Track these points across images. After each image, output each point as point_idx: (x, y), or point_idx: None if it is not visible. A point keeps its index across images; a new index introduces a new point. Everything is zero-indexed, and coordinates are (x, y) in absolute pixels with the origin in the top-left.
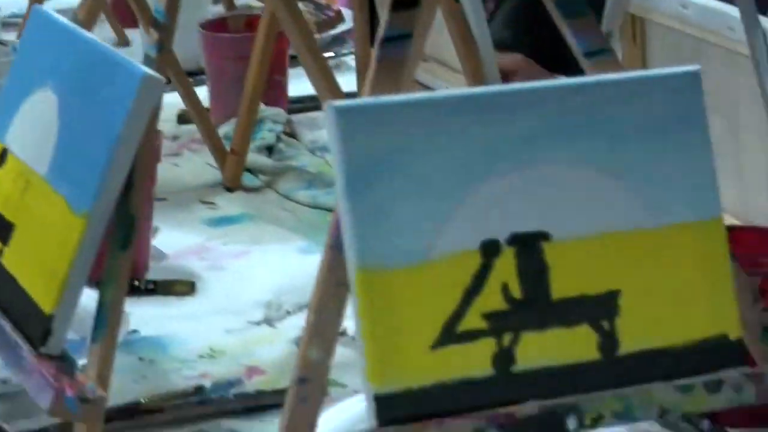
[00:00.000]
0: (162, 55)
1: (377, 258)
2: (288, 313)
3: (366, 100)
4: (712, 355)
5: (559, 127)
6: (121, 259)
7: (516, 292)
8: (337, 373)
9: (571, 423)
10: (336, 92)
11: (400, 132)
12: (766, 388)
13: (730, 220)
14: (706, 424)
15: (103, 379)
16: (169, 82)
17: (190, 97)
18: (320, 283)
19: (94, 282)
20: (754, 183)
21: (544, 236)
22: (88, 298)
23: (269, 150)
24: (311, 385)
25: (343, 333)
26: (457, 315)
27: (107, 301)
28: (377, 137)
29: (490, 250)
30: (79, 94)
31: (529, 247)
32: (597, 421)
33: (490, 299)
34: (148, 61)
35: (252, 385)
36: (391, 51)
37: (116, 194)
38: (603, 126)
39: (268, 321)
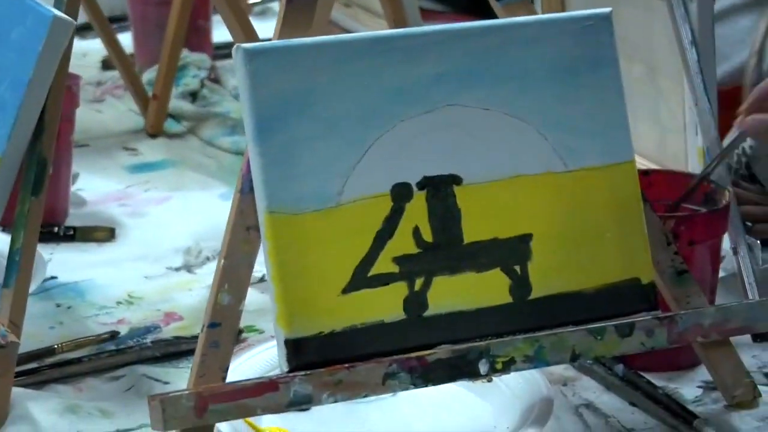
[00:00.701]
0: None
1: (286, 202)
2: (207, 259)
3: (275, 42)
4: (624, 299)
5: (468, 70)
6: (33, 204)
7: (428, 235)
8: (254, 319)
9: (483, 367)
10: (252, 37)
11: (309, 74)
12: (677, 332)
13: (647, 164)
14: (620, 368)
15: (15, 325)
16: (91, 28)
17: (112, 43)
18: (230, 228)
19: (8, 227)
20: (671, 127)
21: (455, 179)
22: (2, 242)
23: (193, 96)
24: (223, 330)
25: (262, 279)
26: (369, 259)
27: (19, 246)
28: (286, 80)
29: (401, 193)
30: None
31: (440, 190)
32: (508, 365)
33: (402, 243)
34: (58, 3)
35: (169, 331)
36: None
37: (28, 138)
38: (513, 68)
39: (188, 267)
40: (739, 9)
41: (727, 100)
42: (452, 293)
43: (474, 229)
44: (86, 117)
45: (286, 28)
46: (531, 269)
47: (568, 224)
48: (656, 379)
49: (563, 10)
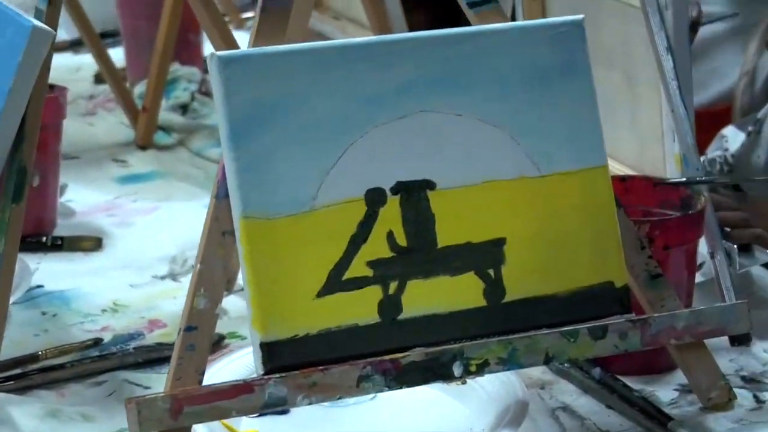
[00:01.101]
0: (52, 8)
1: (261, 207)
2: (192, 267)
3: (249, 49)
4: (597, 302)
5: (441, 76)
6: (14, 211)
7: (401, 240)
8: (236, 326)
9: (457, 369)
10: (232, 47)
11: (282, 81)
12: (651, 334)
13: (626, 170)
14: (597, 371)
15: None
16: (82, 43)
17: (102, 58)
18: (206, 233)
19: None
20: (649, 134)
21: (428, 184)
22: None
23: (184, 108)
24: (199, 333)
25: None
26: (343, 263)
27: (0, 253)
28: (260, 86)
29: (374, 198)
30: None
31: (414, 195)
32: (482, 367)
33: (376, 247)
34: (38, 14)
35: (153, 337)
36: (276, 2)
37: (8, 146)
38: (486, 74)
39: (173, 275)
40: (740, 31)
41: (718, 120)
42: (426, 297)
43: (448, 234)
44: (78, 130)
45: (260, 36)
46: (505, 273)
47: (542, 228)
48: (633, 383)
49: (544, 18)
